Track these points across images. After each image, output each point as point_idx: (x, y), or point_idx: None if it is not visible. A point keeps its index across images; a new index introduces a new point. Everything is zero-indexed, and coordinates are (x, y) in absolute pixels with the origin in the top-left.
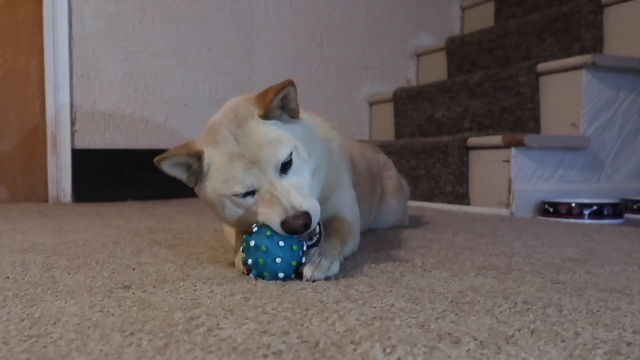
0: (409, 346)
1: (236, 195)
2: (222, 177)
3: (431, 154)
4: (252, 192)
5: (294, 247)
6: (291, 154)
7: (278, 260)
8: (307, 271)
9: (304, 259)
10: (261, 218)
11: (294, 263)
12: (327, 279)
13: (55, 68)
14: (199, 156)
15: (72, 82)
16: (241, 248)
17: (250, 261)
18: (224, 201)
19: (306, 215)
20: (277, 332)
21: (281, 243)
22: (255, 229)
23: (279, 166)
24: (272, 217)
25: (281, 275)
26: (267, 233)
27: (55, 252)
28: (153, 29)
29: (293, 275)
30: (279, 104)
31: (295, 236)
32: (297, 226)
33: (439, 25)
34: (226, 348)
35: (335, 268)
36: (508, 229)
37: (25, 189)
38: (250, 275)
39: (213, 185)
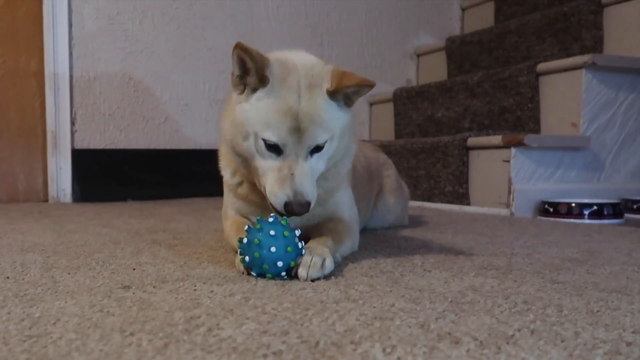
0: (409, 346)
1: (265, 140)
2: (267, 117)
3: (431, 154)
4: (278, 149)
5: (286, 233)
6: (326, 141)
7: (273, 249)
8: (301, 271)
9: (300, 244)
10: (268, 188)
11: (289, 249)
12: (326, 278)
13: (55, 68)
14: (263, 79)
15: (72, 82)
16: (238, 251)
17: (247, 259)
18: (249, 134)
19: (307, 206)
20: (277, 332)
21: (272, 232)
22: (246, 228)
23: (313, 147)
24: (279, 194)
25: (280, 264)
26: (257, 226)
27: (55, 252)
28: (153, 29)
29: (293, 263)
30: (349, 93)
31: (285, 224)
32: (297, 212)
33: (439, 25)
34: (226, 348)
35: (329, 265)
36: (508, 229)
37: (25, 189)
38: (252, 274)
39: (255, 115)
